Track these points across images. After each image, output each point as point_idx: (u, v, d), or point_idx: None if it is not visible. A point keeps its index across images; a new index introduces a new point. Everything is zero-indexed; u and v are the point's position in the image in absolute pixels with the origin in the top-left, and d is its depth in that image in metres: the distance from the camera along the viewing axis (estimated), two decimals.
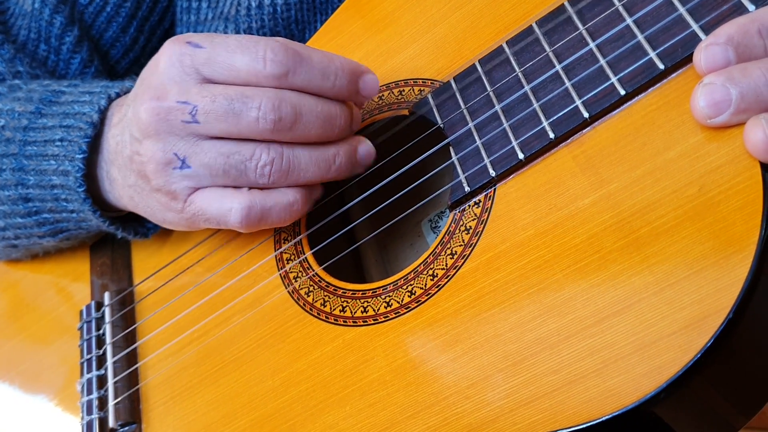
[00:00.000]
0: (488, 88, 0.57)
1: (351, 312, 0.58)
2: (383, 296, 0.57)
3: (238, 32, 0.80)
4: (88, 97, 0.68)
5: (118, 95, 0.68)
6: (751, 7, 0.47)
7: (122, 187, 0.64)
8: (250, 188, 0.58)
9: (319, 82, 0.57)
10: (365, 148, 0.61)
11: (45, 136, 0.68)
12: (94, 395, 0.67)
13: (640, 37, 0.51)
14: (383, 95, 0.64)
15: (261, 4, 0.79)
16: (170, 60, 0.57)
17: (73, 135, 0.66)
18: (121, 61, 0.87)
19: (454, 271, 0.54)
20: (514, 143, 0.54)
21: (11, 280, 0.84)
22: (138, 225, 0.72)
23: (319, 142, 0.58)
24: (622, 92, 0.50)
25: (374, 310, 0.56)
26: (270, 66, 0.55)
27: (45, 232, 0.73)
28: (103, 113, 0.66)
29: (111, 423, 0.66)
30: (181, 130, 0.57)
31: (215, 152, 0.57)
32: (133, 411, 0.66)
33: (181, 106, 0.56)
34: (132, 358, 0.69)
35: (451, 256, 0.54)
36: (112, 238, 0.77)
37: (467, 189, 0.55)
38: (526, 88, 0.55)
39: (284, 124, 0.56)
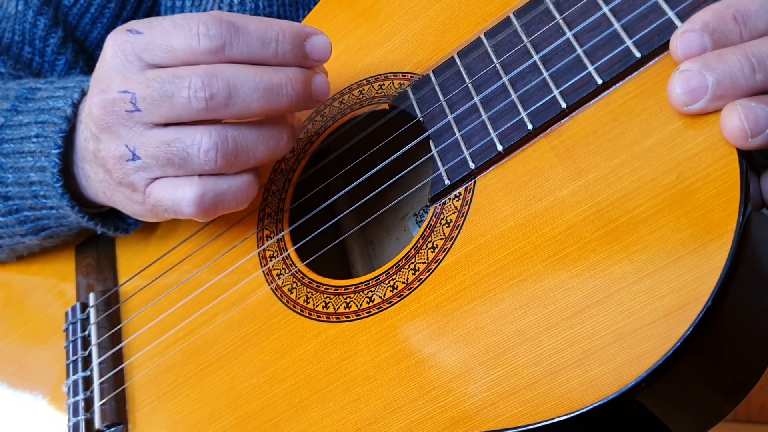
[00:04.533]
0: (467, 81, 0.57)
1: (334, 308, 0.57)
2: (365, 291, 0.56)
3: None
4: (62, 92, 0.68)
5: None
6: None
7: (95, 182, 0.64)
8: (201, 175, 0.57)
9: (259, 51, 0.55)
10: (298, 124, 0.60)
11: (21, 133, 0.68)
12: (80, 396, 0.67)
13: (617, 25, 0.50)
14: (363, 89, 0.64)
15: (243, 2, 0.79)
16: (113, 50, 0.56)
17: (48, 130, 0.66)
18: None
19: (436, 264, 0.53)
20: (493, 135, 0.53)
21: None
22: (118, 220, 0.72)
23: (269, 117, 0.57)
24: (600, 81, 0.50)
25: (357, 306, 0.56)
26: (204, 41, 0.54)
27: (27, 230, 0.73)
28: (76, 107, 0.66)
29: (97, 424, 0.65)
30: (128, 120, 0.56)
31: (157, 141, 0.55)
32: (119, 411, 0.66)
33: (122, 95, 0.55)
34: (117, 359, 0.68)
35: (432, 250, 0.54)
36: (98, 238, 0.76)
37: (447, 182, 0.55)
38: (504, 79, 0.54)
39: (218, 100, 0.54)
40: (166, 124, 0.56)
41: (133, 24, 0.56)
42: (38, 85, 0.71)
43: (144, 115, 0.55)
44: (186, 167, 0.56)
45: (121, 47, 0.56)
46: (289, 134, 0.58)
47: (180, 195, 0.57)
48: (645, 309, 0.44)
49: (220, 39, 0.54)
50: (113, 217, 0.72)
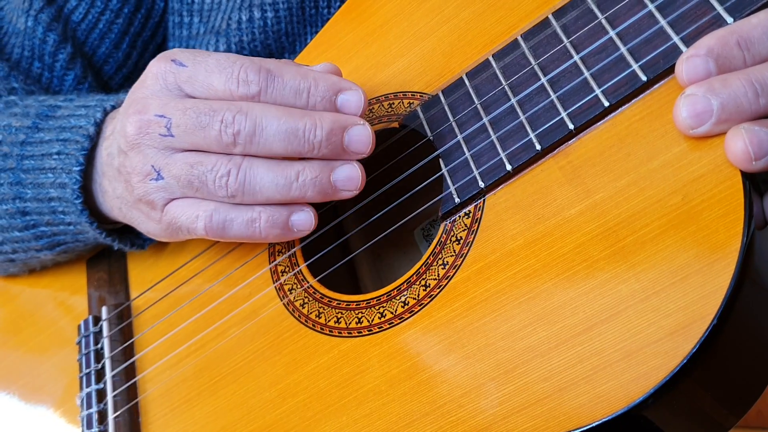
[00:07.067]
0: (476, 101, 0.58)
1: (346, 323, 0.59)
2: (377, 307, 0.57)
3: (229, 46, 0.81)
4: (83, 111, 0.70)
5: (113, 108, 0.69)
6: (729, 19, 0.48)
7: (112, 198, 0.66)
8: (222, 202, 0.60)
9: (291, 100, 0.58)
10: (345, 170, 0.58)
11: (42, 150, 0.70)
12: (94, 409, 0.68)
13: (623, 49, 0.52)
14: (373, 108, 0.65)
15: (251, 18, 0.80)
16: (155, 76, 0.60)
17: (70, 148, 0.68)
18: (115, 76, 0.88)
19: (446, 281, 0.55)
20: (502, 155, 0.55)
21: (10, 294, 0.84)
22: (134, 237, 0.73)
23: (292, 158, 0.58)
24: (606, 104, 0.51)
25: (368, 321, 0.57)
26: (242, 87, 0.57)
27: (43, 245, 0.74)
28: (98, 126, 0.68)
29: None
30: (159, 142, 0.59)
31: (182, 163, 0.59)
32: (132, 424, 0.67)
33: (158, 119, 0.58)
34: (131, 372, 0.69)
35: (443, 267, 0.55)
36: (109, 252, 0.77)
37: (457, 200, 0.56)
38: (513, 100, 0.56)
39: (244, 137, 0.57)
40: (193, 150, 0.59)
41: (177, 54, 0.59)
42: (58, 102, 0.72)
43: (176, 140, 0.58)
44: (202, 191, 0.59)
45: (164, 75, 0.59)
46: (306, 177, 0.58)
47: (195, 213, 0.60)
48: (652, 327, 0.45)
49: (257, 86, 0.57)
50: (129, 233, 0.73)
